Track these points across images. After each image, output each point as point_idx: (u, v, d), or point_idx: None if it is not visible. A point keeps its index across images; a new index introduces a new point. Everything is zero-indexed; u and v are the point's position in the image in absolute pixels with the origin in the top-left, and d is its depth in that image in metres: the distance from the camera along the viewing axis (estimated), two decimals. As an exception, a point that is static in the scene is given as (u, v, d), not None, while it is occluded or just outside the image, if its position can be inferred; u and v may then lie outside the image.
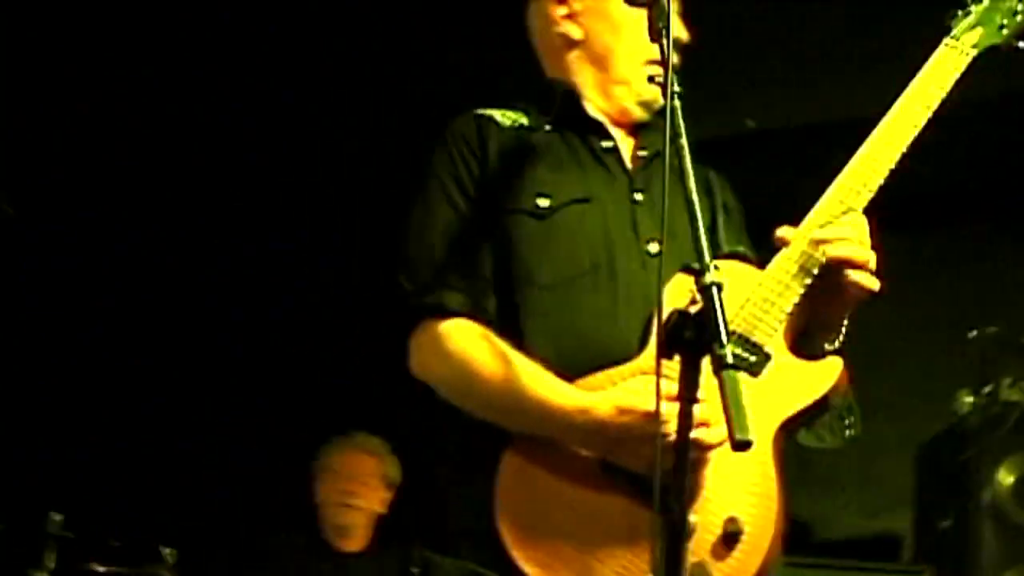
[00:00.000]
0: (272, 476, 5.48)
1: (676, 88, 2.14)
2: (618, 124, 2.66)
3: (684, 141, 2.09)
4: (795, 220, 2.45)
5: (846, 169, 2.47)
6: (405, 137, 3.82)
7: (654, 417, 2.02)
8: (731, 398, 1.82)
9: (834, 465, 5.37)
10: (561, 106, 2.66)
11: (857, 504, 5.45)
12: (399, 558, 4.65)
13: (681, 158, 2.07)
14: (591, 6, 2.71)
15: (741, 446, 1.81)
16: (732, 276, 2.30)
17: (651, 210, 2.51)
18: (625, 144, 2.64)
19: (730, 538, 2.28)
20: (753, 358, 2.34)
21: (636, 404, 2.26)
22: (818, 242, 2.39)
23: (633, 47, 2.65)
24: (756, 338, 2.35)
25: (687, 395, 1.92)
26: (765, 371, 2.34)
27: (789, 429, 2.38)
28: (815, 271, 2.38)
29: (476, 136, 2.59)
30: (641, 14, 2.35)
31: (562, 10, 2.72)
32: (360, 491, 4.87)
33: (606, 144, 2.63)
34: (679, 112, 2.12)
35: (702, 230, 2.00)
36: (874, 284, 2.38)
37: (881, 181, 2.45)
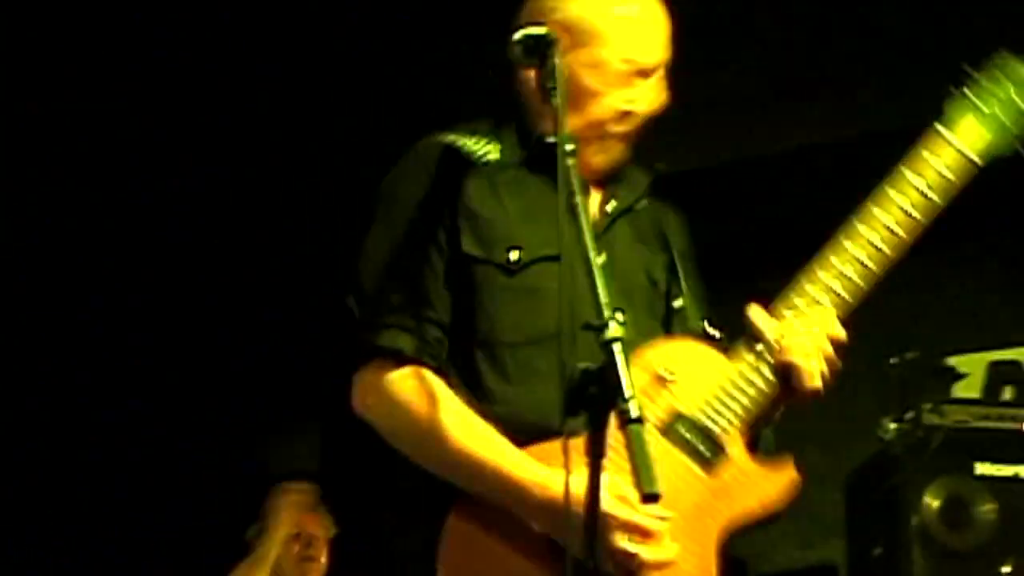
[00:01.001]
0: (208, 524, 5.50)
1: (569, 147, 2.19)
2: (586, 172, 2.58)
3: (579, 199, 2.16)
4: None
5: (823, 256, 2.45)
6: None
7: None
8: (637, 452, 1.90)
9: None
10: (536, 150, 2.57)
11: (791, 535, 5.56)
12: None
13: (576, 217, 2.14)
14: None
15: (649, 499, 1.90)
16: (697, 360, 2.39)
17: (610, 275, 2.40)
18: (592, 197, 2.58)
19: None
20: (708, 453, 2.39)
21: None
22: (777, 343, 2.42)
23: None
24: (714, 431, 2.40)
25: (594, 452, 1.98)
26: (720, 469, 2.40)
27: (734, 531, 2.43)
28: (774, 373, 2.41)
29: (446, 168, 2.54)
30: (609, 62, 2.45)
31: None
32: (309, 560, 4.90)
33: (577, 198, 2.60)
34: (573, 171, 2.18)
35: (600, 285, 2.07)
36: (818, 393, 2.42)
37: (861, 295, 2.45)
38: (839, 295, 2.44)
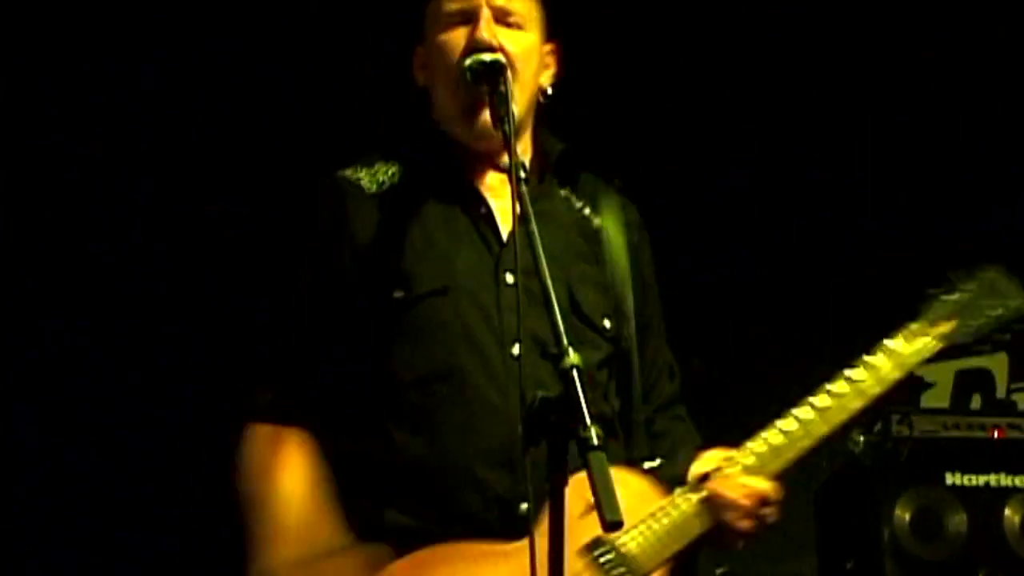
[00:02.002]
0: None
1: (522, 174, 2.27)
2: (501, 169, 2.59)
3: (534, 227, 2.21)
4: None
5: (776, 429, 2.59)
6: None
7: None
8: (599, 479, 1.96)
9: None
10: (436, 159, 2.63)
11: (762, 551, 5.59)
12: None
13: (533, 246, 2.19)
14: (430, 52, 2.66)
15: (612, 527, 1.96)
16: (631, 495, 2.41)
17: (522, 295, 2.40)
18: (507, 203, 2.53)
19: None
20: None
21: None
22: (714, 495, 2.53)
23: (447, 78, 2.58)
24: (635, 567, 2.47)
25: (556, 485, 2.04)
26: None
27: None
28: (707, 523, 2.53)
29: (339, 206, 2.57)
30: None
31: (418, 58, 2.72)
32: None
33: (483, 209, 2.60)
34: (527, 198, 2.24)
35: (558, 315, 2.12)
36: (739, 541, 2.57)
37: (800, 455, 2.62)
38: (789, 461, 2.62)
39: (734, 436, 2.69)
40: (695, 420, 2.79)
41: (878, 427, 4.72)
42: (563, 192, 2.68)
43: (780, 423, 2.60)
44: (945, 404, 5.33)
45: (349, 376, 2.54)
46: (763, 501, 2.55)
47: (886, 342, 2.73)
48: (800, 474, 5.45)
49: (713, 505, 2.52)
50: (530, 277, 2.29)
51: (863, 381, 2.67)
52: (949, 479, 4.62)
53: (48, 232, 5.42)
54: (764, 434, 2.59)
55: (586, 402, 2.03)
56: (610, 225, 2.70)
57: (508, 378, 2.48)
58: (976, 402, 5.33)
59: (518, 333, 2.44)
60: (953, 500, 4.60)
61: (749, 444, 2.59)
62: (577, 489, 2.31)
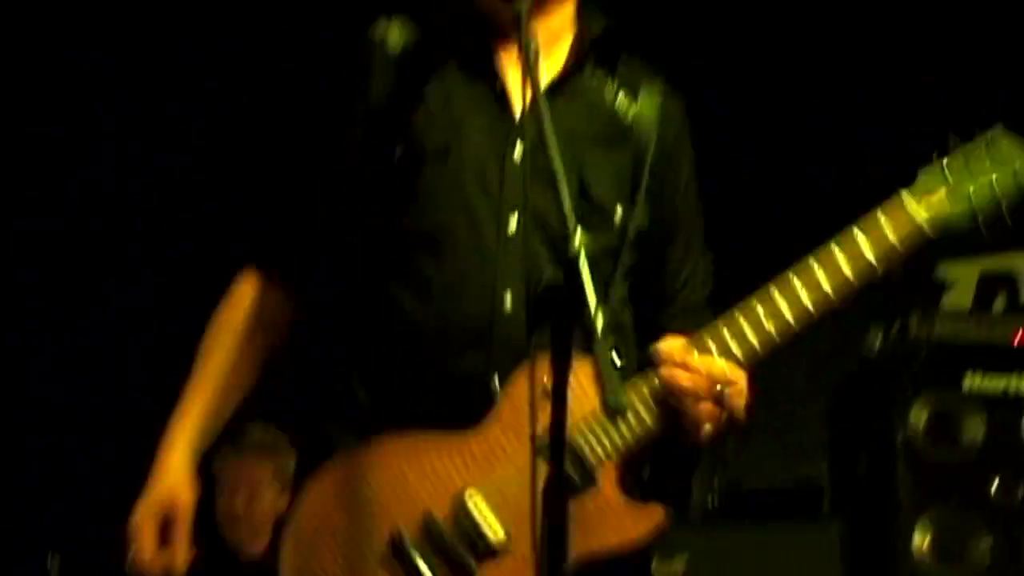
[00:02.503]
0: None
1: (533, 48, 2.16)
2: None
3: (545, 104, 2.13)
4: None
5: (747, 303, 2.41)
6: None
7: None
8: (604, 367, 1.95)
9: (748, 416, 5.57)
10: (459, 27, 2.56)
11: (773, 456, 5.62)
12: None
13: (542, 121, 2.11)
14: None
15: (614, 412, 1.96)
16: (590, 382, 2.31)
17: (527, 170, 2.42)
18: (512, 61, 2.50)
19: None
20: (578, 479, 2.36)
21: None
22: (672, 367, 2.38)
23: None
24: (589, 459, 2.38)
25: (559, 372, 1.99)
26: (586, 498, 2.37)
27: (588, 563, 2.36)
28: (666, 403, 2.37)
29: (361, 64, 2.54)
30: None
31: None
32: (256, 506, 4.95)
33: (500, 83, 2.52)
34: (538, 72, 2.16)
35: (566, 197, 2.05)
36: (703, 442, 2.38)
37: (774, 349, 2.41)
38: (752, 346, 2.41)
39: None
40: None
41: (895, 328, 4.70)
42: (599, 74, 2.59)
43: (742, 307, 2.42)
44: (967, 306, 5.28)
45: (345, 235, 2.54)
46: (719, 381, 2.36)
47: (868, 215, 2.44)
48: (812, 375, 5.57)
49: (666, 392, 2.38)
50: (540, 154, 2.23)
51: (832, 264, 2.41)
52: (967, 383, 4.61)
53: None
54: (725, 318, 2.43)
55: (592, 288, 1.99)
56: (646, 115, 2.58)
57: (500, 252, 2.44)
58: (999, 304, 5.29)
59: (524, 206, 2.40)
60: (970, 405, 4.59)
61: (710, 329, 2.42)
62: (539, 371, 2.31)
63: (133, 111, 5.64)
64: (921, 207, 2.44)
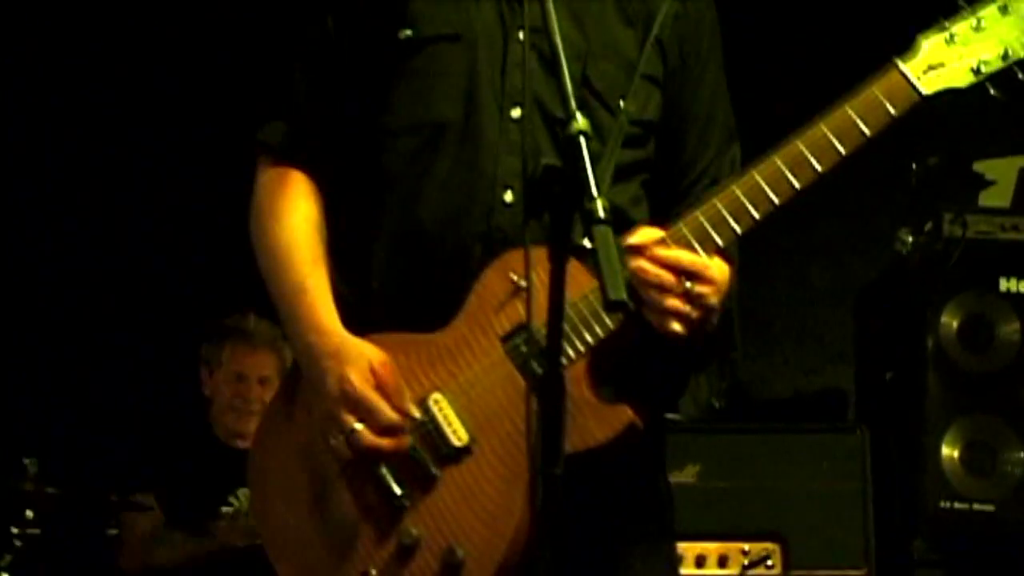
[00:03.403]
0: (153, 364, 5.55)
1: None
2: None
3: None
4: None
5: (723, 190, 2.37)
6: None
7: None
8: (604, 255, 1.89)
9: (767, 319, 5.55)
10: None
11: (795, 360, 5.61)
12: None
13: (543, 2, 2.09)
14: None
15: (615, 307, 1.88)
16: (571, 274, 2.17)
17: (533, 57, 2.41)
18: None
19: (449, 569, 2.33)
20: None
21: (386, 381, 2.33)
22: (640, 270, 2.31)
23: None
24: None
25: (557, 263, 1.96)
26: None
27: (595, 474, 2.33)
28: (636, 299, 2.29)
29: None
30: None
31: None
32: (256, 393, 4.94)
33: None
34: None
35: (567, 75, 2.04)
36: (676, 337, 2.30)
37: (754, 226, 2.37)
38: (732, 228, 2.36)
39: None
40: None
41: (928, 226, 4.64)
42: None
43: (720, 192, 2.37)
44: (1005, 204, 5.18)
45: (353, 121, 2.54)
46: (690, 275, 2.31)
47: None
48: (838, 276, 5.53)
49: (635, 284, 2.30)
50: (543, 38, 2.24)
51: (815, 135, 2.36)
52: (1003, 285, 4.59)
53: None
54: (703, 205, 2.37)
55: (593, 172, 1.95)
56: (666, 8, 2.54)
57: (502, 141, 2.42)
58: (1041, 203, 5.22)
59: (523, 95, 2.38)
60: (1006, 308, 4.57)
61: (686, 217, 2.37)
62: (510, 265, 2.34)
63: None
64: (913, 67, 2.40)
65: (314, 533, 2.42)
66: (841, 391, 5.36)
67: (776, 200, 2.36)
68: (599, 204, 1.92)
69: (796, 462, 4.57)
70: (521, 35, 2.44)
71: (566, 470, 1.95)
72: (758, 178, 2.37)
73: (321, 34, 2.57)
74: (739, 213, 2.36)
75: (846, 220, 5.36)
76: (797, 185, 2.36)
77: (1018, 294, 4.58)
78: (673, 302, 2.30)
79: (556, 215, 2.00)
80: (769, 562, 4.49)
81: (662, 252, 2.31)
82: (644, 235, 2.35)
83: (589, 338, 2.35)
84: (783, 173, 2.36)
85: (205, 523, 4.70)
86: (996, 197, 5.21)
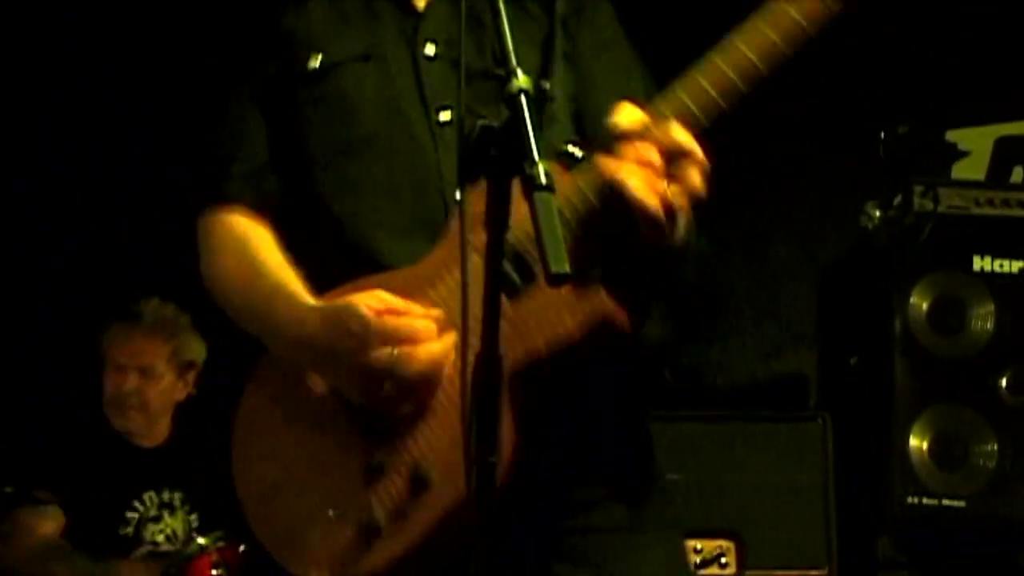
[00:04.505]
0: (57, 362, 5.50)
1: None
2: None
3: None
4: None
5: (688, 75, 2.35)
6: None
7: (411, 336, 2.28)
8: (544, 224, 1.86)
9: (725, 299, 5.52)
10: None
11: (754, 343, 5.59)
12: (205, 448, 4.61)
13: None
14: None
15: (557, 280, 1.84)
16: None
17: (446, 66, 2.53)
18: None
19: (416, 485, 2.35)
20: (517, 278, 2.35)
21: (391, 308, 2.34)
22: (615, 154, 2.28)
23: None
24: (530, 256, 2.34)
25: (495, 234, 1.95)
26: (526, 297, 2.36)
27: (542, 376, 2.36)
28: (604, 194, 2.29)
29: None
30: None
31: None
32: (134, 384, 4.85)
33: None
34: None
35: (507, 28, 2.03)
36: (656, 228, 2.26)
37: (739, 91, 2.33)
38: (717, 104, 2.33)
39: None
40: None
41: (897, 200, 4.61)
42: None
43: (700, 64, 2.34)
44: (980, 176, 5.20)
45: (280, 154, 2.66)
46: (676, 152, 2.25)
47: None
48: (800, 252, 5.53)
49: (615, 170, 2.26)
50: (452, 48, 2.44)
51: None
52: (977, 264, 4.58)
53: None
54: (681, 80, 2.34)
55: (534, 133, 1.92)
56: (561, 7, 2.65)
57: (439, 143, 2.51)
58: (1017, 175, 5.22)
59: (459, 105, 2.41)
60: (980, 288, 4.55)
61: (662, 95, 2.34)
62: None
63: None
64: None
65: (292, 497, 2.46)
66: (802, 376, 5.37)
67: (761, 66, 2.33)
68: (540, 168, 1.89)
69: (752, 453, 4.56)
70: (429, 49, 2.57)
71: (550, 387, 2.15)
72: (740, 45, 2.34)
73: (253, 75, 2.68)
74: (722, 84, 2.33)
75: (809, 192, 5.34)
76: (780, 43, 2.33)
77: (993, 274, 4.56)
78: (657, 187, 2.23)
79: (494, 180, 1.97)
80: (723, 560, 4.48)
81: (654, 132, 2.26)
82: (626, 115, 2.30)
83: (568, 226, 2.27)
84: (766, 34, 2.34)
85: (111, 545, 4.64)
86: (970, 169, 5.26)
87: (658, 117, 2.30)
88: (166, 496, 4.79)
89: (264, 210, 2.63)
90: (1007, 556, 4.55)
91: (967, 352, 4.53)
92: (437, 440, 2.35)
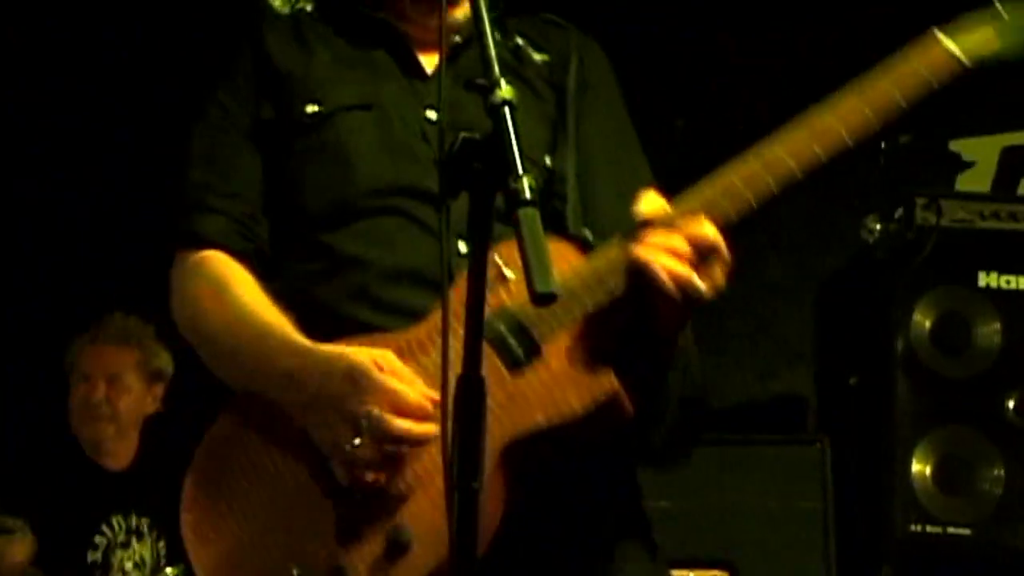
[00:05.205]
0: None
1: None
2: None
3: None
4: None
5: (733, 163, 2.42)
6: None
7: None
8: (530, 241, 1.87)
9: (719, 315, 5.51)
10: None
11: (750, 362, 5.59)
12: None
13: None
14: None
15: (542, 300, 1.85)
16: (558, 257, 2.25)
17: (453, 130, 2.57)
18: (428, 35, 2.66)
19: (394, 549, 2.36)
20: (521, 351, 2.40)
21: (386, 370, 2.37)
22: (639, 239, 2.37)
23: None
24: (535, 330, 2.40)
25: (478, 245, 1.96)
26: (529, 372, 2.40)
27: (538, 449, 2.39)
28: (628, 278, 2.37)
29: (254, 30, 2.73)
30: None
31: None
32: (102, 393, 4.86)
33: (402, 44, 2.69)
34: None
35: (490, 39, 2.05)
36: (676, 309, 2.35)
37: (772, 193, 2.41)
38: (747, 200, 2.41)
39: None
40: (677, 180, 2.64)
41: (899, 213, 4.62)
42: (502, 31, 2.72)
43: (730, 165, 2.41)
44: (985, 188, 5.23)
45: (272, 202, 2.68)
46: (705, 247, 2.33)
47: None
48: (798, 268, 5.52)
49: (643, 255, 2.35)
50: (454, 111, 2.44)
51: (846, 105, 2.47)
52: (982, 279, 4.59)
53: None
54: (714, 175, 2.41)
55: (519, 147, 1.94)
56: (559, 63, 2.74)
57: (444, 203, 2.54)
58: (1024, 188, 5.25)
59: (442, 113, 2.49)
60: (985, 305, 4.56)
61: (695, 190, 2.42)
62: (498, 251, 2.39)
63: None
64: (957, 42, 2.52)
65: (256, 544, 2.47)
66: (799, 397, 5.39)
67: (800, 175, 2.41)
68: (525, 183, 1.90)
69: (749, 478, 4.57)
70: (431, 115, 2.60)
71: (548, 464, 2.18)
72: (780, 151, 2.42)
73: (239, 113, 2.70)
74: (757, 185, 2.41)
75: (807, 205, 5.32)
76: (821, 154, 2.42)
77: (999, 290, 4.58)
78: (688, 273, 2.31)
79: (476, 195, 1.98)
80: (718, 591, 4.46)
81: (681, 223, 2.35)
82: (651, 203, 2.39)
83: (583, 307, 2.40)
84: (809, 146, 2.43)
85: (80, 571, 4.66)
86: (975, 181, 5.26)
87: (687, 210, 2.37)
88: (134, 522, 4.80)
89: (246, 255, 2.63)
90: (1015, 587, 4.55)
91: (972, 372, 4.54)
92: (417, 506, 2.36)
